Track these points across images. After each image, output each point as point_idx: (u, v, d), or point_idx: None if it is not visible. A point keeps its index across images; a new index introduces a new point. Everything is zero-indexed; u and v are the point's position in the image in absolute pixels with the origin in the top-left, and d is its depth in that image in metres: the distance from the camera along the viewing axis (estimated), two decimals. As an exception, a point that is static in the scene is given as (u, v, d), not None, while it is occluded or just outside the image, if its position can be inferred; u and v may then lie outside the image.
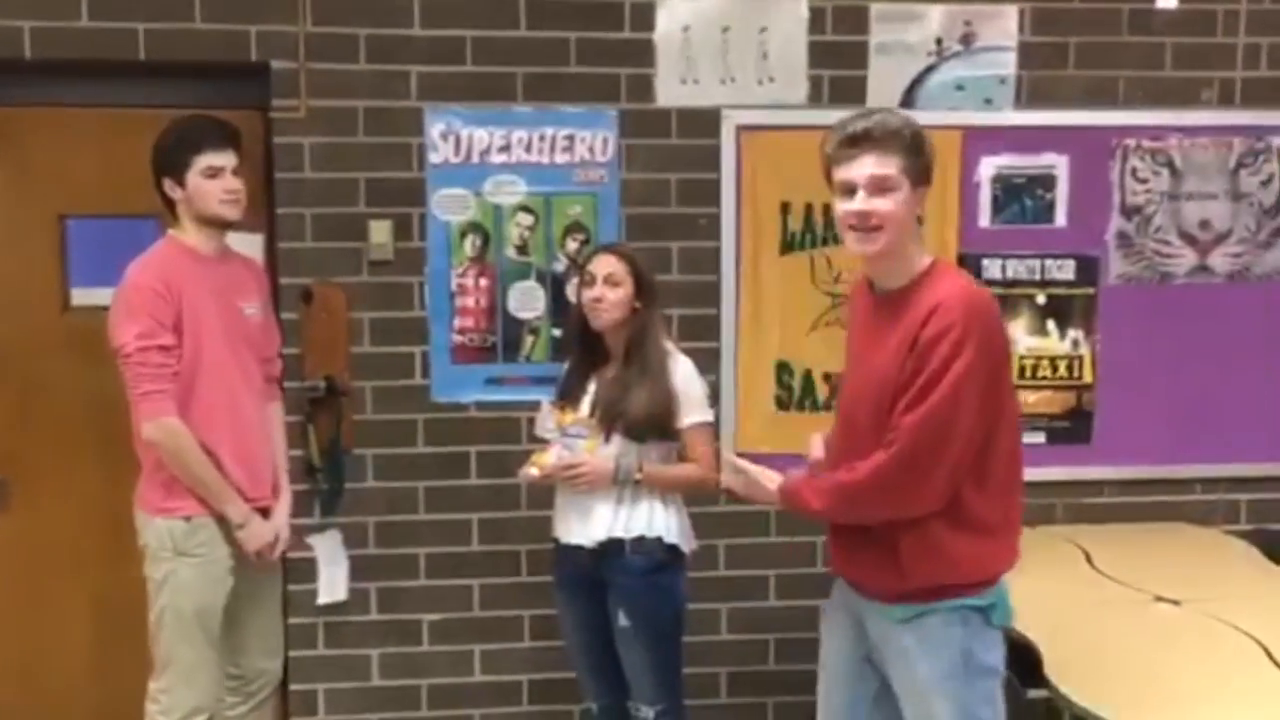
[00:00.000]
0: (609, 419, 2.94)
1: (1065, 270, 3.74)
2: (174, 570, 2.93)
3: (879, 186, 2.22)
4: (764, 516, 3.72)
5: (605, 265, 2.99)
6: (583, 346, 3.08)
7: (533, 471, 3.00)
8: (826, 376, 3.71)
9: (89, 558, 3.61)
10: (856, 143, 2.24)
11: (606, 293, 2.95)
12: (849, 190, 2.26)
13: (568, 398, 3.06)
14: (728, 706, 3.78)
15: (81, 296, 3.57)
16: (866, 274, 2.44)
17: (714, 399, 3.64)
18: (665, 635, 3.00)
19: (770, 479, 2.51)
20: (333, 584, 3.58)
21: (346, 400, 3.52)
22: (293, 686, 3.61)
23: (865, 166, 2.23)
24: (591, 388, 3.02)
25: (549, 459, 2.98)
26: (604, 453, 2.93)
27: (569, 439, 2.97)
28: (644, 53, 3.58)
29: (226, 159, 2.98)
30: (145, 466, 2.98)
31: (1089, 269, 3.76)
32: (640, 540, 2.95)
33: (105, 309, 2.95)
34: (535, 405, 3.20)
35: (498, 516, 3.62)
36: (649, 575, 2.95)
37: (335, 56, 3.47)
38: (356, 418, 3.55)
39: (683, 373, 2.99)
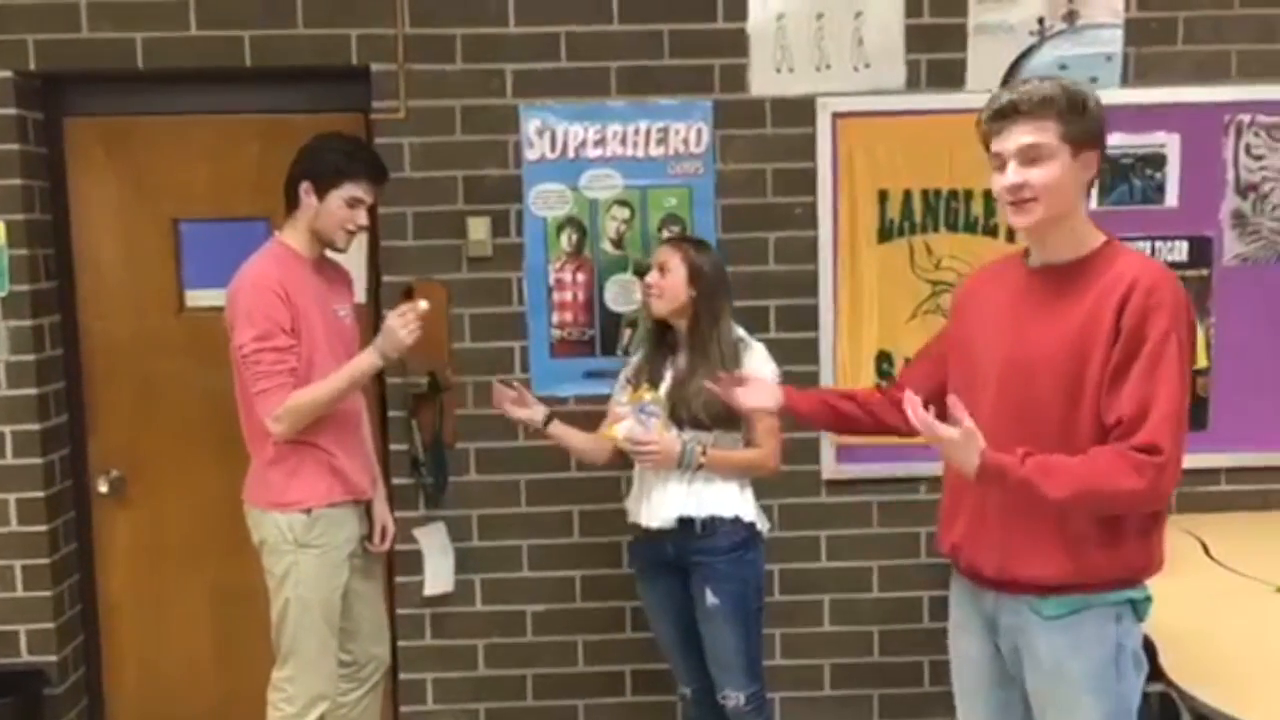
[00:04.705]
0: (679, 409, 3.01)
1: (1177, 252, 3.62)
2: (296, 562, 3.00)
3: (1029, 156, 2.16)
4: (867, 508, 3.69)
5: (661, 254, 3.11)
6: (655, 335, 3.18)
7: (618, 431, 3.08)
8: (928, 365, 3.66)
9: (205, 550, 3.73)
10: (1006, 115, 2.18)
11: (658, 280, 3.06)
12: (1002, 163, 2.21)
13: (644, 382, 3.12)
14: (831, 699, 3.76)
15: (195, 298, 3.69)
16: (1028, 246, 2.34)
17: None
18: (751, 612, 3.05)
19: (979, 440, 2.12)
20: (439, 576, 3.64)
21: (448, 395, 3.58)
22: (402, 676, 3.69)
23: (1014, 137, 2.17)
24: (668, 375, 3.08)
25: (620, 431, 3.07)
26: (673, 435, 3.00)
27: (644, 415, 3.04)
28: (737, 43, 3.56)
29: (369, 196, 3.08)
30: (258, 463, 3.05)
31: (1202, 250, 3.63)
32: (712, 520, 3.00)
33: (218, 309, 3.04)
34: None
35: (599, 508, 3.64)
36: (733, 553, 3.01)
37: (432, 57, 3.53)
38: (458, 412, 3.61)
39: (749, 361, 3.03)
